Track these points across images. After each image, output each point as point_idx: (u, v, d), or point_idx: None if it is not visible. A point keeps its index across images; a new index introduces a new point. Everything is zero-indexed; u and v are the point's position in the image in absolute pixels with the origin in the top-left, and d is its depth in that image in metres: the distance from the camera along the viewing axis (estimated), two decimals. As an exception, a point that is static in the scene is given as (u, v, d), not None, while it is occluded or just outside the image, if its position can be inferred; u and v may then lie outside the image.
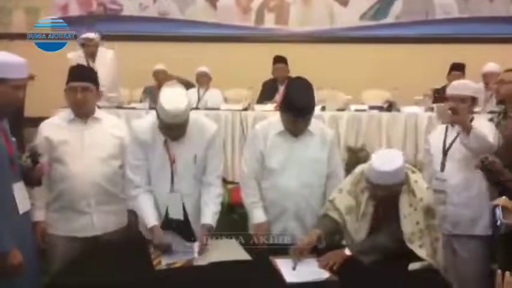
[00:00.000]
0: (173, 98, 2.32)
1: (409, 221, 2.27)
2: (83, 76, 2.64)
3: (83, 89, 2.60)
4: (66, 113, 2.71)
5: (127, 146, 2.62)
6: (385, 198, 2.29)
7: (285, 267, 2.20)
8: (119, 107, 4.98)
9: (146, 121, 2.56)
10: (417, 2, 6.72)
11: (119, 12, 7.11)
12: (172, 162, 2.47)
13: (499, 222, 2.36)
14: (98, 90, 2.73)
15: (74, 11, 7.06)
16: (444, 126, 2.96)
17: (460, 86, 2.86)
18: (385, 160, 2.23)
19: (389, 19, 6.71)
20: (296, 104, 2.41)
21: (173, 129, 2.39)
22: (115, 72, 5.39)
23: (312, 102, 2.46)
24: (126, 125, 2.84)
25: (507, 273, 1.36)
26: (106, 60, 5.41)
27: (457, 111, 2.60)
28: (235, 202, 3.71)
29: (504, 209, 2.29)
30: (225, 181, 4.29)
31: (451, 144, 2.84)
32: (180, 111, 2.30)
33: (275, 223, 2.59)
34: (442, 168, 2.83)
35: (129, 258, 2.24)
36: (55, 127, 2.65)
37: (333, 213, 2.44)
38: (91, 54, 5.44)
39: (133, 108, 4.94)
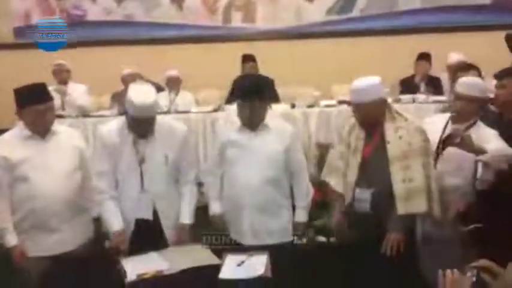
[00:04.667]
0: (141, 92, 2.39)
1: (396, 145, 2.37)
2: (45, 96, 2.51)
3: (49, 109, 2.52)
4: (17, 130, 2.54)
5: (94, 151, 2.61)
6: (368, 119, 2.43)
7: (229, 262, 2.20)
8: (86, 115, 4.89)
9: (113, 124, 2.59)
10: (381, -6, 6.77)
11: (83, 17, 6.97)
12: (141, 162, 2.48)
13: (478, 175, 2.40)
14: None
15: (36, 19, 6.88)
16: (445, 118, 2.71)
17: (469, 86, 2.62)
18: (359, 80, 2.43)
19: (355, 13, 6.75)
20: (242, 88, 2.53)
21: (142, 124, 2.42)
22: (85, 101, 5.31)
23: (259, 86, 2.52)
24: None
25: (448, 271, 1.34)
26: (79, 89, 5.38)
27: (463, 144, 2.37)
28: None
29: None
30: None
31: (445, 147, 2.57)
32: (148, 103, 2.36)
33: (239, 218, 2.58)
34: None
35: (98, 271, 2.19)
36: (10, 145, 2.49)
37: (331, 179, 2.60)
38: (63, 81, 5.35)
39: (102, 116, 4.86)
